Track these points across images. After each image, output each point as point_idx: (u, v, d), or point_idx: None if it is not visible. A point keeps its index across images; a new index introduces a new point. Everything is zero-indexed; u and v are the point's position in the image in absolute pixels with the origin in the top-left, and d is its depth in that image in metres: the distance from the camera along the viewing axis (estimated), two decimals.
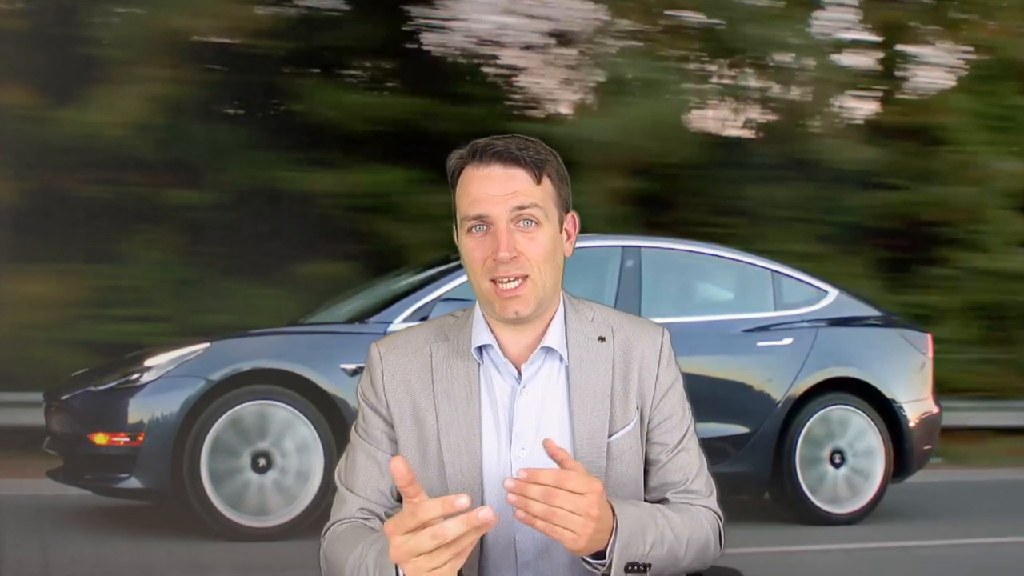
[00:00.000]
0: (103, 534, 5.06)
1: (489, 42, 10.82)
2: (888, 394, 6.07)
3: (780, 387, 5.88)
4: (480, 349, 1.67)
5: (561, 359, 1.67)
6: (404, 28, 10.46)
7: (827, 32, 11.61)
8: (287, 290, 8.70)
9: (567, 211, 1.69)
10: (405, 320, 5.26)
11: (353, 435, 1.72)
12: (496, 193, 1.60)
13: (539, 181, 1.62)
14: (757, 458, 5.80)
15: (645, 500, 1.69)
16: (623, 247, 5.88)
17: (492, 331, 1.67)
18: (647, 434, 1.70)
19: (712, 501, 1.71)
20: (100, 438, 4.91)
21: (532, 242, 1.61)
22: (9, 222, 8.35)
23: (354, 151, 9.47)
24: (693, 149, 10.40)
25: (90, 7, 9.11)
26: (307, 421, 5.02)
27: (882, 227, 11.10)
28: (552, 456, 1.48)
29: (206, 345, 5.07)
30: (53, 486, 5.28)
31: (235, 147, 9.13)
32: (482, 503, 1.60)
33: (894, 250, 11.18)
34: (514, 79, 10.91)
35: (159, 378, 4.94)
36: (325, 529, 1.68)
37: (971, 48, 12.12)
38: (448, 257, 5.92)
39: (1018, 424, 10.18)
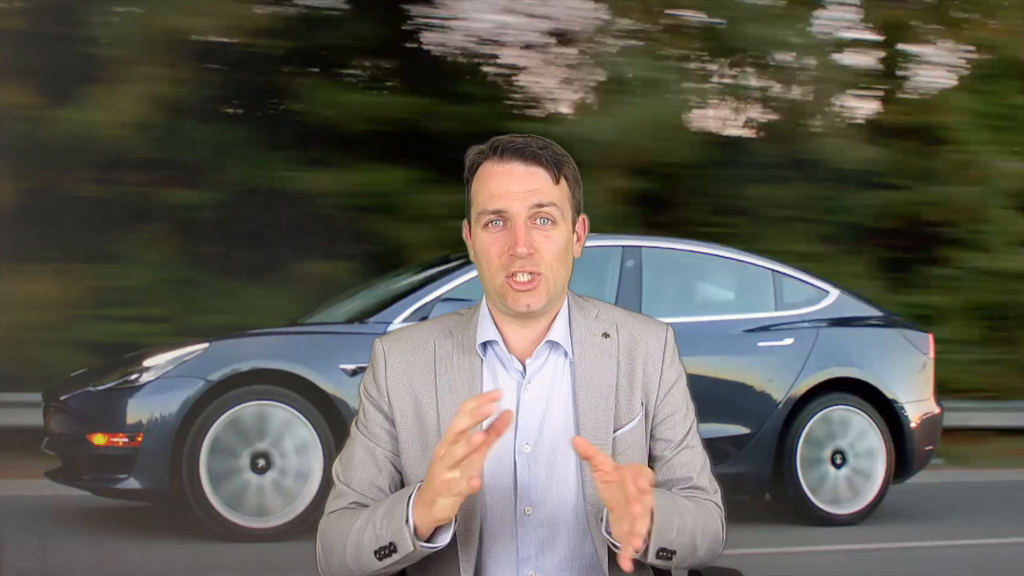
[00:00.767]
0: (103, 534, 5.05)
1: (489, 41, 10.82)
2: (889, 394, 6.06)
3: (781, 387, 5.87)
4: (484, 345, 1.67)
5: (566, 354, 1.67)
6: (404, 27, 10.45)
7: (828, 31, 11.60)
8: (286, 290, 8.69)
9: (579, 213, 1.71)
10: (405, 320, 5.24)
11: (353, 429, 1.71)
12: (516, 189, 1.61)
13: (557, 181, 1.64)
14: (758, 458, 5.78)
15: None
16: (624, 247, 5.87)
17: (497, 327, 1.67)
18: (651, 430, 1.70)
19: (717, 498, 1.72)
20: (99, 438, 4.90)
21: (548, 240, 1.62)
22: (8, 222, 8.33)
23: (354, 151, 9.46)
24: (694, 149, 10.39)
25: (89, 6, 9.10)
26: (306, 421, 5.01)
27: (883, 227, 11.08)
28: (583, 455, 1.48)
29: (205, 345, 5.06)
30: (53, 486, 5.27)
31: (234, 147, 9.12)
32: (484, 498, 1.60)
33: (895, 250, 11.17)
34: (514, 78, 10.89)
35: (158, 378, 4.93)
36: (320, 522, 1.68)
37: (972, 47, 12.10)
38: (448, 257, 5.90)
39: (1019, 425, 10.17)
